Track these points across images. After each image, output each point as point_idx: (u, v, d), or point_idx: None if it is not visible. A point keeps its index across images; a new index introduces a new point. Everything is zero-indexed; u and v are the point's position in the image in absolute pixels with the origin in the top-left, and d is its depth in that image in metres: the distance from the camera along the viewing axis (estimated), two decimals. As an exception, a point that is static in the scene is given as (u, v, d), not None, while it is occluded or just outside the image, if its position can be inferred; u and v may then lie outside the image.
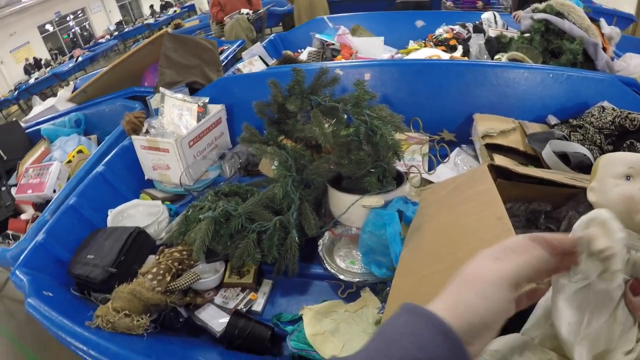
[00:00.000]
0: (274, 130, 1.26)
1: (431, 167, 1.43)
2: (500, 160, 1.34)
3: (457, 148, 1.52)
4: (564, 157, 1.24)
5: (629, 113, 1.27)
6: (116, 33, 13.15)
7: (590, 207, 0.62)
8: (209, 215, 1.07)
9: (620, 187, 0.55)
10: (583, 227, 0.52)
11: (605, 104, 1.42)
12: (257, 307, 1.11)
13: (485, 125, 1.45)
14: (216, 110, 1.69)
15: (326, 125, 1.14)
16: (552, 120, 1.51)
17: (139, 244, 1.25)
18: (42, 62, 13.83)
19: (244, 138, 1.27)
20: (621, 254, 0.48)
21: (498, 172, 1.07)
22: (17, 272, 1.14)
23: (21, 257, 1.20)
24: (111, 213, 1.44)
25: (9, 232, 1.67)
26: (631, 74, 1.66)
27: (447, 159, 1.44)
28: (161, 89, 1.71)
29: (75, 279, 1.20)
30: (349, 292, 1.08)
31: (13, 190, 1.78)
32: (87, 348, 0.90)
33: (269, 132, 1.26)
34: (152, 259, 1.22)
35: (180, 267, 1.14)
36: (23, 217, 1.69)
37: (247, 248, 1.06)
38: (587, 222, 0.51)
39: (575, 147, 1.26)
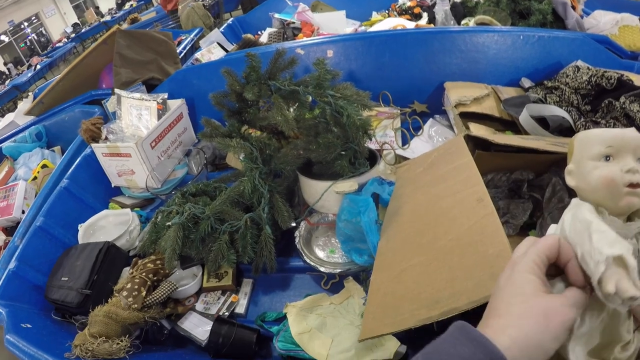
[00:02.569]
0: (235, 121, 1.19)
1: (405, 142, 1.38)
2: (476, 129, 1.31)
3: (431, 119, 1.48)
4: (542, 120, 1.21)
5: (605, 71, 1.23)
6: (73, 35, 12.73)
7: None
8: (177, 222, 1.01)
9: (599, 169, 0.49)
10: (602, 266, 0.45)
11: (580, 63, 1.39)
12: (240, 309, 1.06)
13: (457, 93, 1.41)
14: (176, 105, 1.61)
15: (290, 111, 1.08)
16: (526, 83, 1.48)
17: (110, 259, 1.18)
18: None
19: (204, 134, 1.21)
20: None
21: (476, 142, 1.03)
22: (-6, 305, 1.08)
23: (-5, 289, 1.13)
24: (81, 228, 1.37)
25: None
26: (602, 31, 1.63)
27: (420, 131, 1.39)
28: (116, 90, 1.62)
29: (53, 304, 1.14)
30: (333, 283, 1.04)
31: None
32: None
33: (231, 123, 1.20)
34: (127, 272, 1.16)
35: (155, 278, 1.08)
36: (-6, 244, 1.61)
37: (220, 250, 1.01)
38: (605, 263, 0.45)
39: (553, 110, 1.23)
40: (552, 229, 0.53)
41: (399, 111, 1.50)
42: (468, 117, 1.36)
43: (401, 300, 0.75)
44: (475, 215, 0.76)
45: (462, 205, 0.81)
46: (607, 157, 0.49)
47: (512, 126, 1.33)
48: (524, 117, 1.22)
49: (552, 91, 1.34)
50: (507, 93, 1.43)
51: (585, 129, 1.14)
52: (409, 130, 1.40)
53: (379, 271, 0.86)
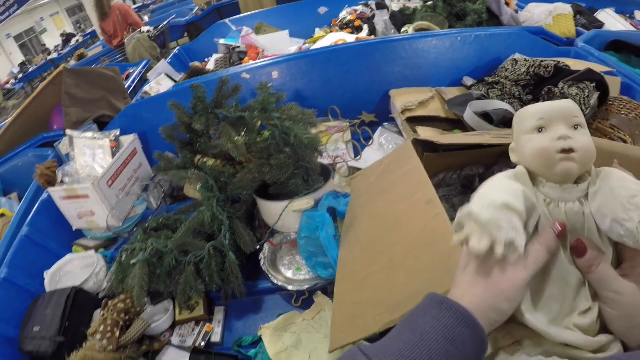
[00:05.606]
0: (187, 152, 1.21)
1: (357, 153, 1.42)
2: (424, 132, 1.35)
3: (380, 128, 1.53)
4: (486, 116, 1.26)
5: (542, 61, 1.30)
6: (21, 75, 12.35)
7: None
8: (141, 259, 1.02)
9: (533, 141, 0.52)
10: (457, 229, 0.53)
11: (517, 56, 1.46)
12: (216, 337, 1.07)
13: (402, 99, 1.46)
14: (129, 141, 1.60)
15: (240, 136, 1.10)
16: (468, 81, 1.54)
17: (80, 304, 1.17)
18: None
19: (158, 168, 1.22)
20: (508, 224, 0.47)
21: (424, 145, 1.07)
22: (-33, 364, 1.05)
23: (-34, 348, 1.09)
24: (47, 275, 1.33)
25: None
26: (537, 23, 1.72)
27: (371, 141, 1.44)
28: (68, 131, 1.61)
29: (28, 356, 1.11)
30: (303, 299, 1.06)
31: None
32: None
33: (184, 155, 1.21)
34: (98, 315, 1.15)
35: (127, 317, 1.07)
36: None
37: (187, 282, 1.02)
38: (458, 225, 0.53)
39: (495, 104, 1.28)
40: None
41: (348, 124, 1.54)
42: (416, 121, 1.41)
43: (365, 308, 0.78)
44: (426, 216, 0.80)
45: (414, 209, 0.84)
46: (540, 129, 0.52)
47: (460, 125, 1.37)
48: (468, 115, 1.27)
49: (493, 86, 1.40)
50: (451, 93, 1.48)
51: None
52: (360, 141, 1.44)
53: (341, 282, 0.89)
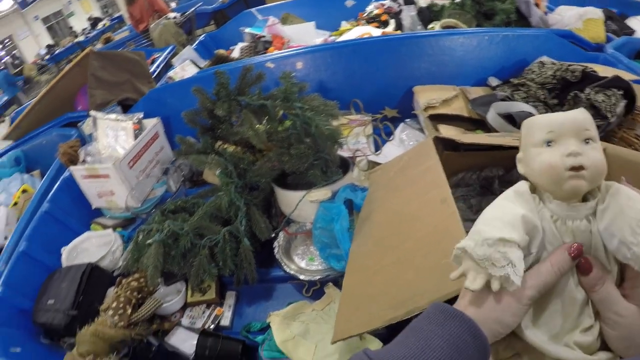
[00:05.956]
0: (208, 137, 1.22)
1: (377, 148, 1.41)
2: (445, 130, 1.34)
3: (402, 124, 1.51)
4: (509, 117, 1.24)
5: (569, 65, 1.26)
6: (48, 57, 12.59)
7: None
8: (157, 239, 1.03)
9: (541, 155, 0.49)
10: (455, 262, 0.51)
11: (544, 58, 1.43)
12: (225, 321, 1.08)
13: (426, 96, 1.44)
14: (152, 124, 1.62)
15: (261, 124, 1.11)
16: (493, 82, 1.51)
17: (94, 280, 1.19)
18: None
19: (179, 152, 1.23)
20: (502, 256, 0.46)
21: (445, 143, 1.04)
22: (-18, 330, 1.08)
23: (-17, 316, 1.13)
24: (64, 251, 1.37)
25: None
26: (566, 26, 1.67)
27: (392, 136, 1.43)
28: (92, 112, 1.63)
29: (41, 327, 1.14)
30: (314, 290, 1.07)
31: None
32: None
33: (204, 140, 1.22)
34: (112, 292, 1.17)
35: (140, 295, 1.10)
36: (-19, 272, 1.61)
37: (201, 265, 1.03)
38: (455, 258, 0.51)
39: (519, 106, 1.26)
40: None
41: (370, 118, 1.53)
42: (438, 119, 1.39)
43: (370, 302, 0.77)
44: (439, 215, 0.78)
45: (428, 207, 0.83)
46: (549, 143, 0.50)
47: (482, 125, 1.35)
48: (491, 115, 1.24)
49: (518, 88, 1.36)
50: (475, 93, 1.46)
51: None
52: (381, 136, 1.43)
53: (351, 274, 0.89)
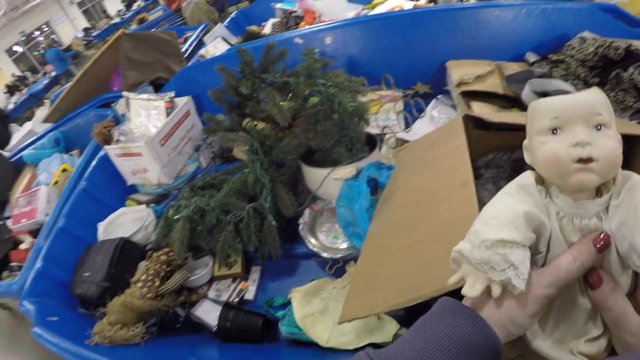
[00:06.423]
0: (235, 115, 1.22)
1: (407, 125, 1.38)
2: (478, 108, 1.28)
3: (434, 100, 1.46)
4: (546, 96, 1.17)
5: (612, 41, 1.16)
6: (85, 40, 12.99)
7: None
8: (183, 215, 1.05)
9: (546, 145, 0.43)
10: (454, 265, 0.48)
11: (586, 34, 1.34)
12: (249, 295, 1.11)
13: (459, 72, 1.38)
14: (183, 102, 1.64)
15: (286, 102, 1.10)
16: (531, 57, 1.43)
17: (126, 253, 1.24)
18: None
19: (207, 129, 1.24)
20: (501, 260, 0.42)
21: (476, 122, 0.98)
22: (24, 302, 1.15)
23: (25, 288, 1.20)
24: (101, 227, 1.42)
25: (13, 264, 1.68)
26: (610, 0, 1.57)
27: (423, 113, 1.39)
28: (124, 93, 1.67)
29: (78, 298, 1.20)
30: (337, 267, 1.06)
31: (9, 223, 1.77)
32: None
33: (231, 117, 1.22)
34: (142, 265, 1.21)
35: (168, 269, 1.13)
36: (22, 246, 1.70)
37: (226, 240, 1.04)
38: (454, 262, 0.47)
39: (557, 84, 1.18)
40: None
41: (401, 93, 1.49)
42: (472, 95, 1.33)
43: (380, 285, 0.75)
44: (457, 198, 0.73)
45: (447, 189, 0.78)
46: (554, 130, 0.43)
47: (518, 103, 1.28)
48: (526, 93, 1.18)
49: (557, 65, 1.29)
50: (512, 69, 1.39)
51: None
52: (412, 113, 1.40)
53: (365, 256, 0.87)
